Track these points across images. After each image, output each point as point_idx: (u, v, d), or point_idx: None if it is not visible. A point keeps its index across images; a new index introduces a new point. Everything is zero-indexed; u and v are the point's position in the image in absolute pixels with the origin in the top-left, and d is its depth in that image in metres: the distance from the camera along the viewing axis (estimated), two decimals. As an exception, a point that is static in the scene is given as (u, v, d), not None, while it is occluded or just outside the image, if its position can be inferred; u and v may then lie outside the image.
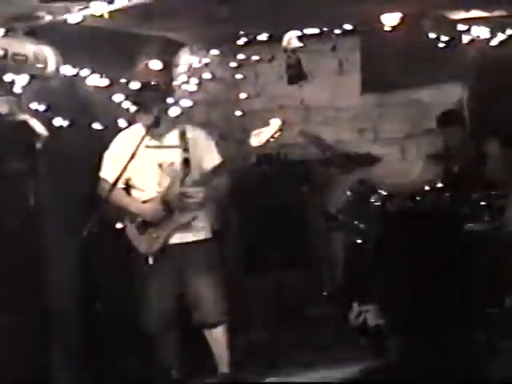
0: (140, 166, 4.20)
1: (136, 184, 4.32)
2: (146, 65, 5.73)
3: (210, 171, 4.18)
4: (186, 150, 4.26)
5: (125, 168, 3.97)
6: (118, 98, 5.28)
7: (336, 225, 5.56)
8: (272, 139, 4.03)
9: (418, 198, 5.10)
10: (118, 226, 4.45)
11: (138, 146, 4.03)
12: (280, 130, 4.02)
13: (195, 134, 4.35)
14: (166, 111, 4.42)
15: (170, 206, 4.19)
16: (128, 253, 4.31)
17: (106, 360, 4.46)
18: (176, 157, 4.26)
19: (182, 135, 4.30)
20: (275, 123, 4.04)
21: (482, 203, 4.90)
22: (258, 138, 4.02)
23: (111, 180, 4.13)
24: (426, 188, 5.18)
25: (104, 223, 3.88)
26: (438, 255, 4.80)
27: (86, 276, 4.63)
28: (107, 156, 4.36)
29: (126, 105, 5.14)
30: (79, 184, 4.74)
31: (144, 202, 4.27)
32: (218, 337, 4.30)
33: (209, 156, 4.29)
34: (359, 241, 5.30)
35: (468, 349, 4.48)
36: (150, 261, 4.19)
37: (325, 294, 5.61)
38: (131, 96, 4.79)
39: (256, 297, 5.64)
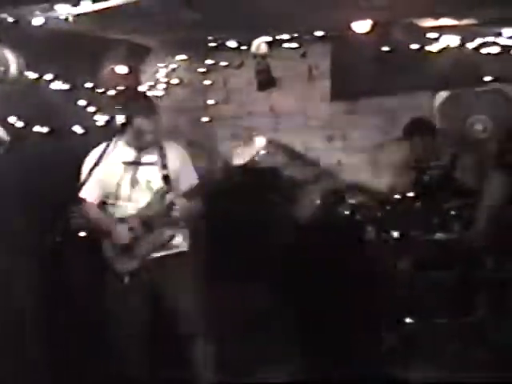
0: (117, 182, 4.11)
1: (113, 201, 4.21)
2: (112, 69, 5.65)
3: (187, 192, 4.09)
4: (164, 166, 4.16)
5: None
6: (82, 102, 5.19)
7: (305, 234, 5.50)
8: (254, 155, 3.96)
9: (388, 208, 5.07)
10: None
11: (102, 157, 3.89)
12: (264, 148, 3.94)
13: (173, 150, 4.24)
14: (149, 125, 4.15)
15: (149, 225, 4.09)
16: (103, 269, 4.19)
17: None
18: (155, 174, 4.16)
19: (161, 151, 4.19)
20: (259, 142, 3.97)
21: (453, 213, 4.88)
22: (241, 156, 3.95)
23: (89, 199, 4.12)
24: (397, 197, 5.15)
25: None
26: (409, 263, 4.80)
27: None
28: (84, 172, 4.15)
29: (92, 110, 5.10)
30: (44, 190, 4.61)
31: (121, 219, 4.15)
32: (196, 348, 4.22)
33: (186, 176, 4.19)
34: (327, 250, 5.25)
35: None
36: (126, 280, 4.08)
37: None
38: (103, 105, 4.67)
39: (227, 307, 5.57)
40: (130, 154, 4.17)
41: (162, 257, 4.16)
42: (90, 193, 4.13)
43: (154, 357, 4.33)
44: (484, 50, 5.40)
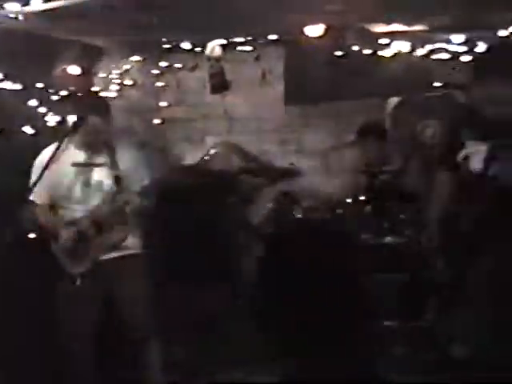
0: (67, 184, 4.06)
1: (63, 203, 4.15)
2: (64, 70, 5.60)
3: (139, 193, 4.06)
4: (115, 167, 4.12)
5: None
6: (33, 103, 5.14)
7: (257, 237, 5.52)
8: (207, 157, 3.96)
9: (339, 211, 5.11)
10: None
11: (52, 158, 3.85)
12: (214, 148, 3.95)
13: (125, 151, 4.20)
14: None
15: (100, 226, 4.05)
16: (54, 271, 4.14)
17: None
18: (106, 175, 4.11)
19: (112, 152, 4.14)
20: (210, 143, 3.98)
21: (402, 216, 4.93)
22: (192, 157, 3.95)
23: (39, 201, 4.06)
24: (348, 201, 5.19)
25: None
26: (358, 267, 4.83)
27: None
28: (34, 174, 4.08)
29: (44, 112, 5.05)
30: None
31: (72, 221, 4.10)
32: (147, 350, 4.19)
33: (138, 176, 4.14)
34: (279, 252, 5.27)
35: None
36: (78, 282, 4.04)
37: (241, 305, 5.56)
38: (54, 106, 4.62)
39: (179, 309, 5.55)
40: (81, 155, 4.13)
41: (113, 258, 4.13)
42: (39, 195, 4.07)
43: (105, 359, 4.30)
44: (434, 56, 5.49)
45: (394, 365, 4.60)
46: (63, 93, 5.59)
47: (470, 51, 5.32)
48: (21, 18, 4.32)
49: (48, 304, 4.25)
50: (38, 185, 3.93)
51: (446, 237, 4.02)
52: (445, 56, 5.46)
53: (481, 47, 5.30)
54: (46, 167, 3.81)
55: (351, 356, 4.68)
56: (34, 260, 4.53)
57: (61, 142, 4.00)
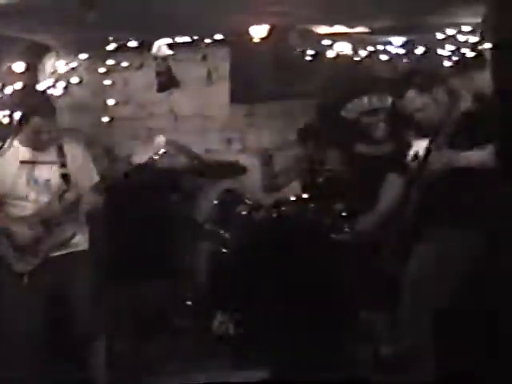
0: (15, 182, 4.03)
1: (11, 201, 4.13)
2: (9, 67, 5.57)
3: (87, 190, 4.08)
4: (63, 165, 4.11)
5: None
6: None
7: (202, 234, 5.57)
8: (155, 157, 4.00)
9: (282, 208, 5.18)
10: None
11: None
12: (163, 147, 3.99)
13: (73, 149, 4.19)
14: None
15: (48, 224, 4.05)
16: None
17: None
18: (53, 173, 4.09)
19: (60, 150, 4.13)
20: (159, 141, 4.02)
21: (343, 214, 5.04)
22: (140, 155, 3.99)
23: None
24: (292, 198, 5.27)
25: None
26: (302, 265, 4.92)
27: None
28: None
29: None
30: None
31: (19, 219, 4.06)
32: (95, 348, 4.20)
33: (86, 174, 4.17)
34: (224, 250, 5.33)
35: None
36: (25, 279, 4.04)
37: (189, 303, 5.61)
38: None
39: (125, 307, 5.56)
40: (27, 153, 4.12)
41: (61, 255, 4.13)
42: None
43: (52, 358, 4.28)
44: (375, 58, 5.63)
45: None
46: (8, 90, 5.56)
47: (408, 53, 5.48)
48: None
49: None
50: None
51: (386, 233, 4.13)
52: (385, 58, 5.61)
53: (420, 50, 5.48)
54: None
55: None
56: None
57: (6, 139, 4.02)
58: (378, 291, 4.67)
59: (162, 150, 4.00)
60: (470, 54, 5.52)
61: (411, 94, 3.78)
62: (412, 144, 3.99)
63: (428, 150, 3.70)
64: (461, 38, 5.50)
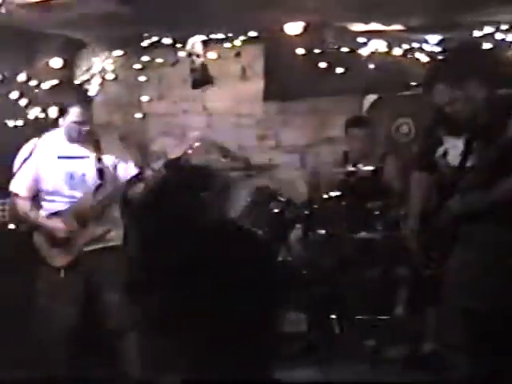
0: (51, 177, 4.09)
1: (46, 196, 4.18)
2: (47, 63, 5.63)
3: (126, 183, 4.10)
4: (99, 160, 4.15)
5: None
6: (14, 95, 5.16)
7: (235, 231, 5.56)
8: (190, 151, 4.02)
9: (315, 206, 5.16)
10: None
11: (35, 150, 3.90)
12: (198, 142, 4.02)
13: (109, 144, 4.22)
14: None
15: (83, 219, 4.08)
16: (37, 263, 4.15)
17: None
18: (89, 168, 4.14)
19: (96, 144, 4.16)
20: (193, 136, 4.04)
21: (376, 212, 5.00)
22: (175, 151, 4.02)
23: (21, 193, 4.06)
24: (324, 196, 5.24)
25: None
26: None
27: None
28: (16, 166, 4.09)
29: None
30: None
31: (55, 213, 4.11)
32: (129, 344, 4.19)
33: (124, 167, 4.19)
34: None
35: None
36: (62, 274, 4.06)
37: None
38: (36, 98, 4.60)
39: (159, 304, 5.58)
40: (65, 147, 4.16)
41: (96, 250, 4.13)
42: (21, 187, 4.10)
43: (87, 351, 4.33)
44: (410, 56, 5.59)
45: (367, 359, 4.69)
46: (45, 85, 5.62)
47: (445, 51, 5.42)
48: (3, 10, 4.35)
49: (28, 297, 4.25)
50: (18, 176, 4.00)
51: (419, 232, 4.07)
52: (420, 56, 5.56)
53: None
54: (26, 159, 3.87)
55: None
56: (14, 251, 4.54)
57: (44, 134, 4.06)
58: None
59: (196, 144, 4.02)
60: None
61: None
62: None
63: None
64: (498, 36, 5.42)
